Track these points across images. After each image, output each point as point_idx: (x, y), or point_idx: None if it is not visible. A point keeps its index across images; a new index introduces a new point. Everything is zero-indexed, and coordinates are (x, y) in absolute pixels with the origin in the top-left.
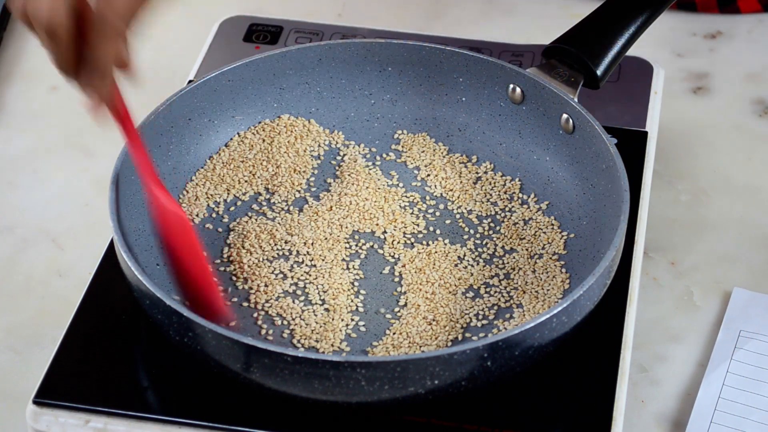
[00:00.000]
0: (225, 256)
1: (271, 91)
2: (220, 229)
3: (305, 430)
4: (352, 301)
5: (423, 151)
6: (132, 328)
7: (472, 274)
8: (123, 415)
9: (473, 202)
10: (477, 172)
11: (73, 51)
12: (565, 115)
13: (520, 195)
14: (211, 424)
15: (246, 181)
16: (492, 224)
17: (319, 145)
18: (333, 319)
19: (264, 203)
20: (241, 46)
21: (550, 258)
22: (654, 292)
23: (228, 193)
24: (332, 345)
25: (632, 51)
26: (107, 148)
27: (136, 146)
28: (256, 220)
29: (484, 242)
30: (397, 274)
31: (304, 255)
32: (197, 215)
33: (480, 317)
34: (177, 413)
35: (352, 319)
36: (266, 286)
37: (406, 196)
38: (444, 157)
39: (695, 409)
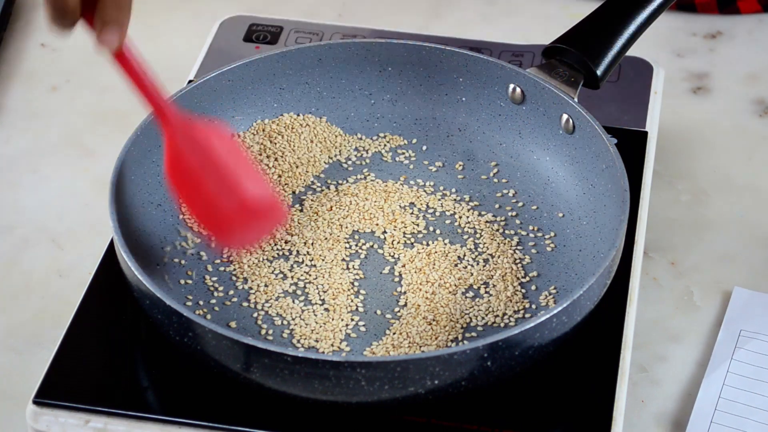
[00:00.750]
0: (225, 256)
1: (271, 91)
2: None
3: (305, 430)
4: (352, 301)
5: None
6: (132, 328)
7: (472, 274)
8: (123, 415)
9: (473, 202)
10: (477, 172)
11: None
12: (565, 115)
13: (521, 195)
14: (211, 424)
15: None
16: (492, 224)
17: (320, 145)
18: (333, 319)
19: None
20: (241, 46)
21: (550, 257)
22: (654, 292)
23: None
24: (332, 345)
25: (632, 51)
26: (107, 148)
27: (144, 83)
28: None
29: (484, 242)
30: (397, 274)
31: (304, 255)
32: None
33: (480, 317)
34: (177, 413)
35: (352, 319)
36: (266, 286)
37: (406, 196)
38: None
39: (695, 408)
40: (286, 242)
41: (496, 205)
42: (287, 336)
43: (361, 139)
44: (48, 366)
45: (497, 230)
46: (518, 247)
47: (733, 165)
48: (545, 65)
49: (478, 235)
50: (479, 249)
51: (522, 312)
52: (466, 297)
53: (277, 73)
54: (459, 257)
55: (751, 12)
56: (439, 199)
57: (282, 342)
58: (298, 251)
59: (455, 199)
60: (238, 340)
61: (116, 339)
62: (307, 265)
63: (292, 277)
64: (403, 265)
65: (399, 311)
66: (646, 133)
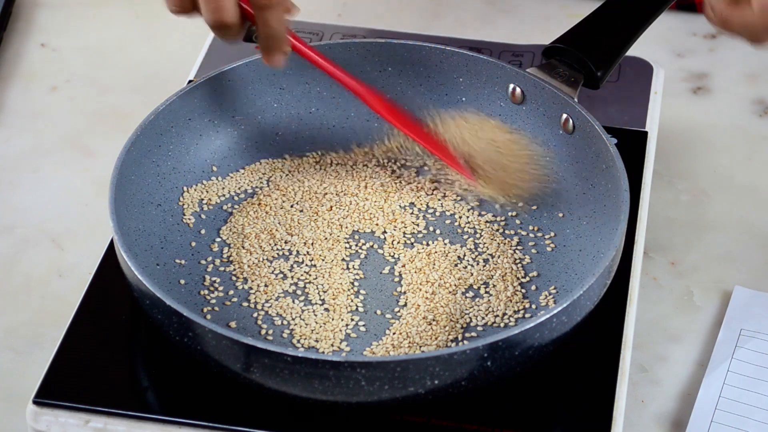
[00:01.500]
0: (225, 256)
1: (271, 91)
2: (219, 229)
3: (305, 430)
4: (352, 301)
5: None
6: (132, 328)
7: (472, 274)
8: (123, 415)
9: (473, 202)
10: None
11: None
12: (565, 115)
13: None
14: (211, 424)
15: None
16: (492, 224)
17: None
18: (333, 319)
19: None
20: (241, 46)
21: (550, 257)
22: (654, 292)
23: (228, 193)
24: (332, 345)
25: (632, 51)
26: (107, 148)
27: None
28: (256, 219)
29: (484, 242)
30: (397, 274)
31: (304, 255)
32: (192, 216)
33: (480, 317)
34: (177, 413)
35: (352, 319)
36: (266, 286)
37: (406, 196)
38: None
39: (696, 408)
40: (286, 242)
41: (496, 205)
42: (287, 336)
43: (360, 138)
44: (48, 366)
45: (497, 230)
46: (518, 247)
47: (733, 165)
48: (545, 65)
49: (478, 235)
50: (479, 249)
51: (522, 312)
52: (466, 297)
53: (277, 73)
54: (459, 257)
55: None
56: (439, 200)
57: (282, 342)
58: (298, 251)
59: (455, 199)
60: (238, 340)
61: (116, 339)
62: (307, 265)
63: (292, 277)
64: (403, 265)
65: (399, 311)
66: (646, 133)
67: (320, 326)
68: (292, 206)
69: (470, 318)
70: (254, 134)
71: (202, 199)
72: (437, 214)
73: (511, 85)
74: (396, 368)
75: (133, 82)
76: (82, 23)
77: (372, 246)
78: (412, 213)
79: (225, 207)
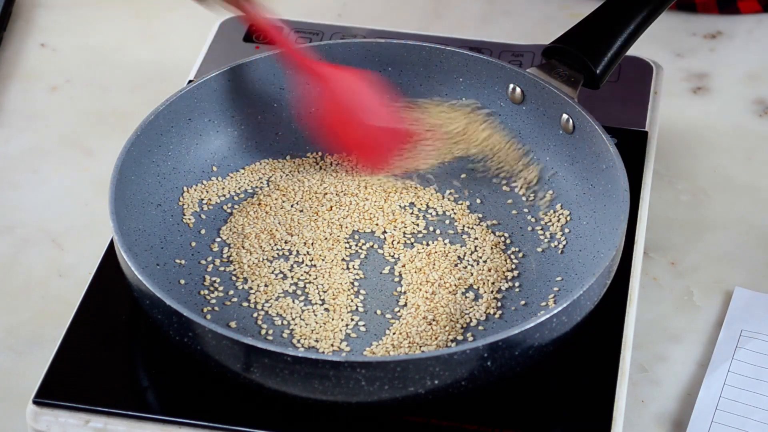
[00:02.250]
0: (225, 256)
1: (271, 91)
2: (219, 229)
3: (305, 430)
4: (352, 301)
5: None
6: (132, 328)
7: (472, 274)
8: (123, 415)
9: (474, 202)
10: (477, 172)
11: None
12: (565, 115)
13: (520, 194)
14: (211, 424)
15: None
16: (493, 224)
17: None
18: (333, 319)
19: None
20: (241, 46)
21: (550, 257)
22: (654, 292)
23: (228, 193)
24: (332, 345)
25: (632, 51)
26: (107, 148)
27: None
28: (256, 219)
29: (484, 242)
30: (397, 274)
31: (304, 255)
32: (192, 216)
33: (480, 317)
34: (177, 413)
35: (352, 319)
36: (266, 286)
37: (406, 196)
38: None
39: (696, 408)
40: (286, 242)
41: (496, 206)
42: (287, 336)
43: None
44: (48, 366)
45: (497, 230)
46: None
47: (733, 165)
48: (545, 65)
49: (478, 235)
50: (479, 249)
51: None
52: (466, 297)
53: (277, 73)
54: (459, 257)
55: (751, 12)
56: (439, 200)
57: (282, 342)
58: (298, 251)
59: (455, 199)
60: (238, 340)
61: (116, 339)
62: (307, 265)
63: (292, 277)
64: (403, 265)
65: (399, 311)
66: (646, 133)
67: (320, 326)
68: (292, 206)
69: (470, 318)
70: (254, 134)
71: (202, 199)
72: (437, 214)
73: (511, 85)
74: (396, 368)
75: (133, 82)
76: (82, 23)
77: (372, 246)
78: (412, 213)
79: (225, 207)
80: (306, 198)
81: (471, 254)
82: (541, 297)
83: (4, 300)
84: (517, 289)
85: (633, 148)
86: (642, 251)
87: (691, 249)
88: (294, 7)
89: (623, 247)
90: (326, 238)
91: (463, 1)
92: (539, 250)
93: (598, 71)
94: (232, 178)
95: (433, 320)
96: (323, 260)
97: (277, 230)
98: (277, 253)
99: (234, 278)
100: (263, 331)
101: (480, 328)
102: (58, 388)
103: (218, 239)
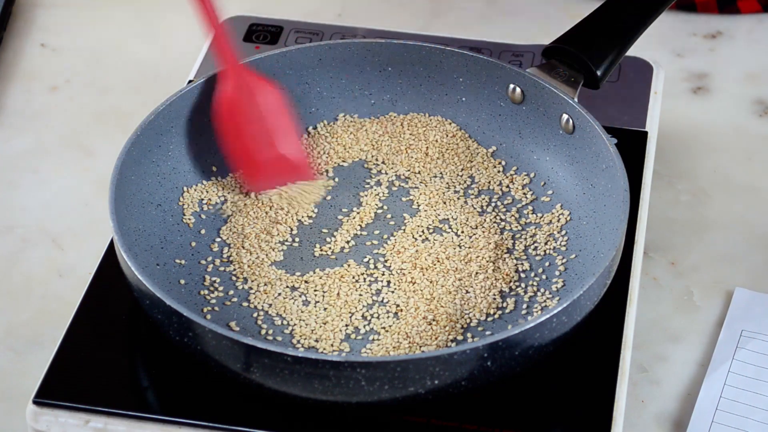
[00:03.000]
0: (225, 256)
1: None
2: (219, 229)
3: (305, 430)
4: (352, 301)
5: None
6: (132, 328)
7: (472, 275)
8: (123, 415)
9: (474, 203)
10: (477, 173)
11: None
12: (565, 115)
13: (520, 194)
14: (211, 424)
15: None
16: (492, 224)
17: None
18: (333, 319)
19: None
20: (241, 46)
21: (550, 258)
22: (654, 292)
23: (228, 193)
24: (332, 345)
25: (632, 51)
26: (107, 148)
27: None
28: (256, 219)
29: (484, 243)
30: (397, 274)
31: (304, 255)
32: (192, 216)
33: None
34: (177, 413)
35: (352, 319)
36: (266, 285)
37: (406, 197)
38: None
39: (696, 408)
40: (286, 242)
41: (496, 206)
42: (287, 336)
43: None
44: (48, 366)
45: (497, 231)
46: (518, 247)
47: (733, 165)
48: (545, 65)
49: (478, 236)
50: (479, 249)
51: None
52: (466, 297)
53: (277, 73)
54: (459, 257)
55: (751, 12)
56: (439, 200)
57: (282, 342)
58: (298, 251)
59: (456, 200)
60: (238, 340)
61: (116, 339)
62: (307, 265)
63: (292, 277)
64: (404, 265)
65: (399, 311)
66: (646, 133)
67: (320, 326)
68: (292, 206)
69: (470, 318)
70: None
71: (202, 199)
72: (438, 214)
73: (511, 85)
74: (396, 368)
75: (133, 82)
76: (82, 23)
77: (372, 245)
78: (412, 212)
79: (225, 207)
80: (306, 198)
81: (471, 254)
82: (542, 297)
83: (4, 300)
84: (517, 290)
85: (633, 148)
86: (642, 251)
87: (691, 249)
88: (294, 7)
89: (623, 247)
90: (326, 238)
91: (463, 1)
92: (539, 250)
93: (598, 71)
94: (232, 178)
95: (433, 320)
96: (324, 261)
97: (277, 230)
98: (277, 253)
99: (234, 278)
100: (263, 331)
101: (480, 328)
102: (58, 388)
103: (218, 239)
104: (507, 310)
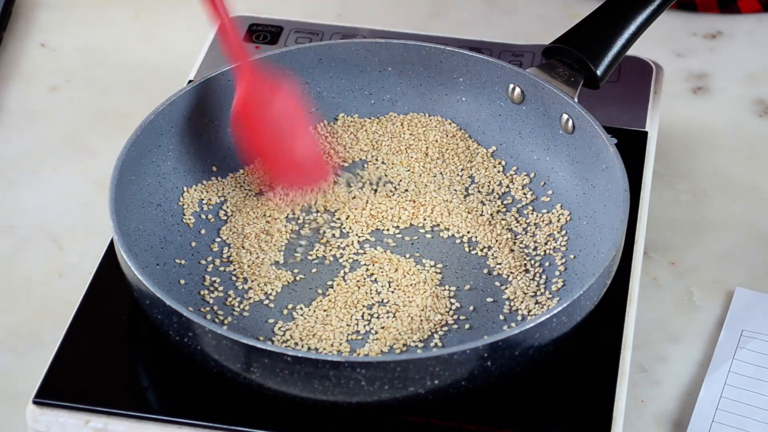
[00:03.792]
0: (225, 256)
1: None
2: (219, 229)
3: (305, 430)
4: (352, 301)
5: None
6: (132, 328)
7: (471, 275)
8: (123, 415)
9: (474, 203)
10: (477, 172)
11: None
12: (565, 115)
13: (520, 194)
14: (211, 424)
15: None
16: (491, 224)
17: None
18: (333, 319)
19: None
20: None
21: (550, 258)
22: (654, 292)
23: (228, 193)
24: (332, 345)
25: (632, 51)
26: (107, 148)
27: (228, 26)
28: (256, 219)
29: (482, 242)
30: (397, 273)
31: (304, 255)
32: (192, 216)
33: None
34: (177, 413)
35: (353, 319)
36: (266, 285)
37: (405, 198)
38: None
39: (697, 408)
40: (285, 242)
41: (496, 205)
42: (287, 336)
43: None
44: (48, 366)
45: (496, 231)
46: (517, 248)
47: (733, 165)
48: (545, 65)
49: (476, 236)
50: (479, 249)
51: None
52: (465, 297)
53: (278, 72)
54: (459, 257)
55: (751, 11)
56: (439, 199)
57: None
58: (298, 251)
59: (455, 200)
60: (238, 340)
61: (116, 339)
62: (307, 265)
63: (292, 277)
64: (403, 265)
65: (399, 311)
66: (646, 133)
67: (320, 326)
68: (291, 207)
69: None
70: None
71: (202, 199)
72: (437, 215)
73: (511, 85)
74: (396, 368)
75: (133, 82)
76: (82, 23)
77: (372, 246)
78: (411, 214)
79: (225, 207)
80: (306, 199)
81: (471, 254)
82: (542, 297)
83: (4, 300)
84: (517, 290)
85: (633, 148)
86: (642, 251)
87: (691, 249)
88: (294, 7)
89: (623, 247)
90: (326, 240)
91: (463, 1)
92: (539, 250)
93: (598, 71)
94: (232, 178)
95: (434, 320)
96: (323, 261)
97: (277, 231)
98: (277, 253)
99: (234, 278)
100: None
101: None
102: (58, 388)
103: (218, 239)
104: (507, 310)
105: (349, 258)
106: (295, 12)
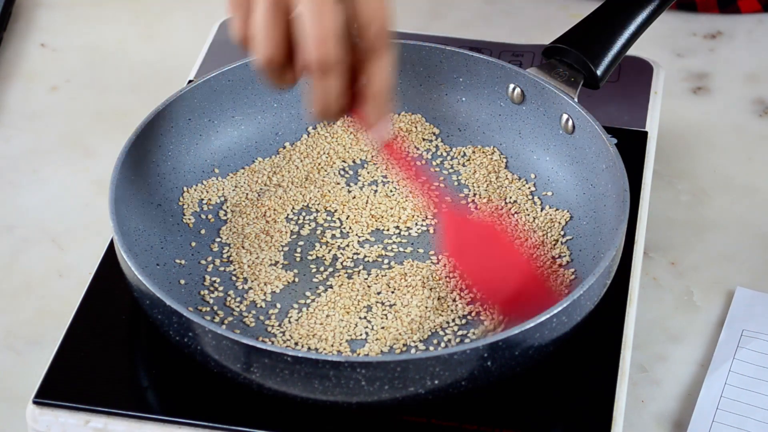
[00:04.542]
0: (225, 256)
1: (271, 91)
2: (219, 229)
3: (305, 430)
4: (352, 301)
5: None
6: (132, 328)
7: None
8: (123, 415)
9: (474, 203)
10: (477, 172)
11: (347, 85)
12: (565, 115)
13: (519, 193)
14: (211, 424)
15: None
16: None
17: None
18: (333, 319)
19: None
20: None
21: (549, 259)
22: (654, 292)
23: (228, 193)
24: (332, 345)
25: (632, 51)
26: (107, 148)
27: (416, 176)
28: (256, 219)
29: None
30: (396, 274)
31: (304, 255)
32: (192, 216)
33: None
34: (177, 413)
35: (353, 319)
36: (266, 285)
37: (404, 198)
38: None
39: (697, 407)
40: (285, 243)
41: (496, 206)
42: (287, 336)
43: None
44: (48, 366)
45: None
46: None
47: (733, 165)
48: (545, 65)
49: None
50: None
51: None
52: (465, 297)
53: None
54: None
55: (751, 12)
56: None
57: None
58: (298, 252)
59: (454, 200)
60: (238, 340)
61: (116, 339)
62: (306, 265)
63: (291, 277)
64: (402, 265)
65: (399, 311)
66: (646, 133)
67: (320, 326)
68: (292, 207)
69: (469, 318)
70: (254, 134)
71: (202, 199)
72: (431, 215)
73: (511, 85)
74: (396, 368)
75: (133, 82)
76: (82, 23)
77: (372, 246)
78: (410, 214)
79: (225, 207)
80: (306, 199)
81: None
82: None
83: (4, 300)
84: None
85: (633, 148)
86: (642, 251)
87: (691, 249)
88: None
89: (623, 247)
90: (326, 240)
91: (463, 1)
92: (539, 250)
93: (598, 71)
94: (232, 178)
95: (434, 320)
96: (323, 261)
97: (277, 231)
98: (277, 253)
99: (234, 278)
100: None
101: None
102: (58, 388)
103: (218, 239)
104: None
105: (349, 258)
106: None
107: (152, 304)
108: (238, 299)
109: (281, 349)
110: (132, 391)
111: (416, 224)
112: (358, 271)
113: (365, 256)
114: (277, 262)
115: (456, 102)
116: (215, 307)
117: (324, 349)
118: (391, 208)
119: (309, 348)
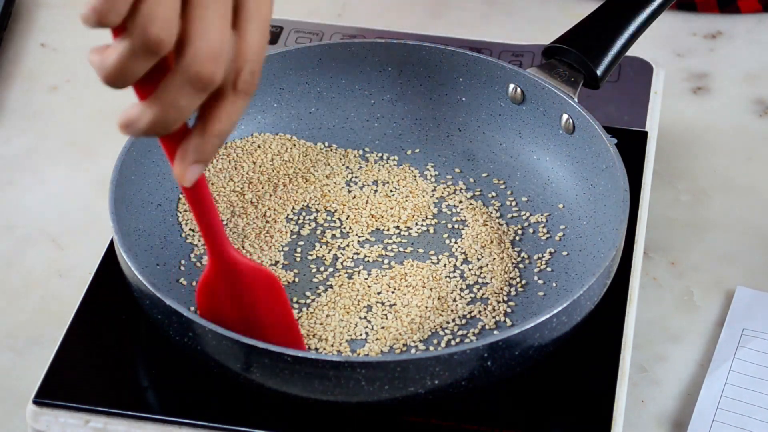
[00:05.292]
0: None
1: (271, 91)
2: None
3: (305, 430)
4: (352, 301)
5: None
6: (132, 328)
7: (471, 275)
8: (123, 415)
9: (473, 202)
10: (477, 172)
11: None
12: (565, 115)
13: (520, 195)
14: (211, 424)
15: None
16: (490, 224)
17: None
18: (333, 319)
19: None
20: None
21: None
22: (654, 292)
23: (228, 193)
24: (332, 345)
25: (632, 51)
26: (107, 148)
27: (211, 212)
28: (256, 219)
29: (482, 242)
30: (396, 274)
31: (304, 255)
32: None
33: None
34: (177, 413)
35: (353, 319)
36: None
37: (404, 199)
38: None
39: (697, 407)
40: (285, 243)
41: (496, 205)
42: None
43: (360, 139)
44: (48, 366)
45: (495, 230)
46: (517, 248)
47: (733, 165)
48: (545, 65)
49: (475, 235)
50: (477, 249)
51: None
52: (464, 297)
53: (277, 73)
54: (458, 257)
55: (751, 11)
56: (438, 199)
57: None
58: (298, 252)
59: (453, 200)
60: (238, 340)
61: (116, 339)
62: (306, 265)
63: (291, 277)
64: (402, 265)
65: (399, 311)
66: (646, 133)
67: (320, 326)
68: (292, 207)
69: (469, 318)
70: (254, 134)
71: None
72: (436, 215)
73: (511, 85)
74: (396, 368)
75: None
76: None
77: (372, 245)
78: (410, 214)
79: (225, 207)
80: (306, 199)
81: (470, 254)
82: (541, 297)
83: (4, 300)
84: (516, 289)
85: (633, 148)
86: (642, 251)
87: (691, 249)
88: (294, 7)
89: (623, 247)
90: (326, 240)
91: (463, 1)
92: (539, 250)
93: (598, 71)
94: (231, 178)
95: (434, 320)
96: (323, 261)
97: (277, 231)
98: (277, 254)
99: None
100: None
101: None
102: (58, 388)
103: None
104: (506, 310)
105: (349, 258)
106: (295, 12)
107: (152, 304)
108: None
109: (281, 349)
110: (132, 391)
111: (416, 224)
112: (358, 271)
113: (365, 256)
114: (277, 262)
115: (456, 102)
116: None
117: (324, 349)
118: (391, 208)
119: (309, 348)
